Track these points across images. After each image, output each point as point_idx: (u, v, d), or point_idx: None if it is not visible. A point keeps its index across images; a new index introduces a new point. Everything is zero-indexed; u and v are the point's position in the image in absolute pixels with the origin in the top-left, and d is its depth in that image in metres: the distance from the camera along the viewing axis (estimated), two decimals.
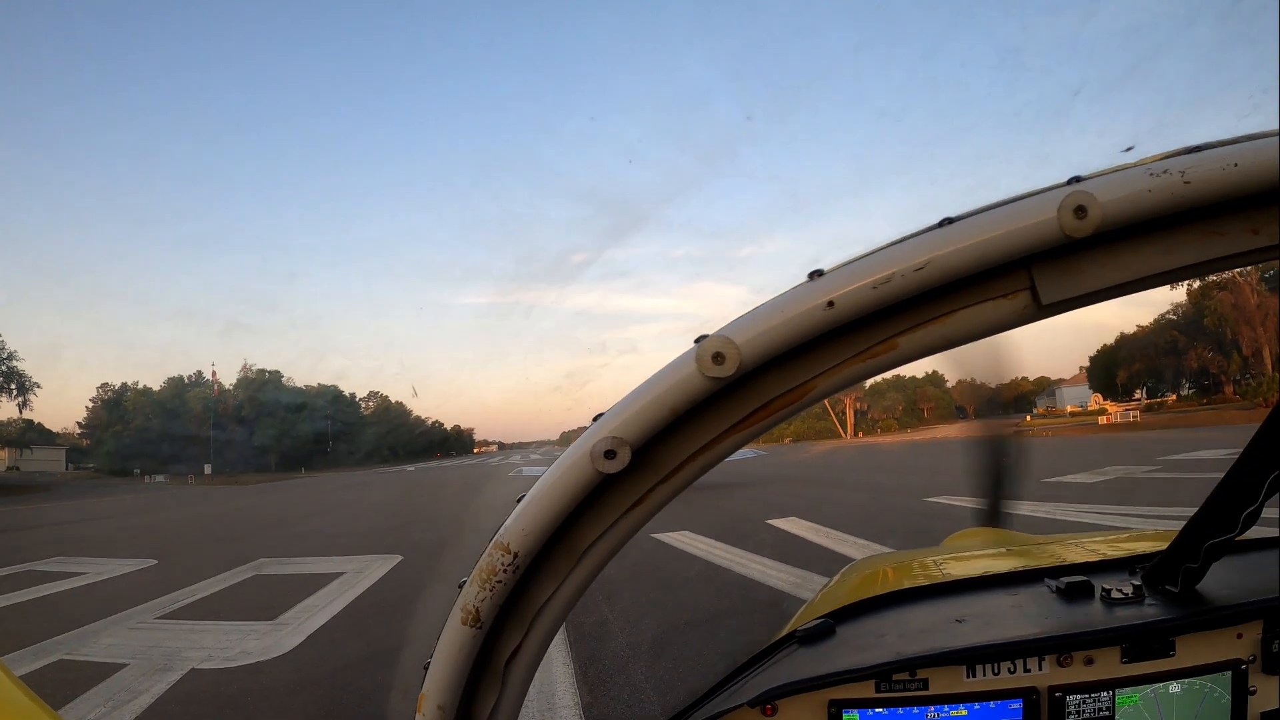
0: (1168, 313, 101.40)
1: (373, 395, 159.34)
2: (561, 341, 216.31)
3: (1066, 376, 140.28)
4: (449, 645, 1.12)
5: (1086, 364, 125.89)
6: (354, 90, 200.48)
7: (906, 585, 2.39)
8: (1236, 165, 0.89)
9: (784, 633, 2.23)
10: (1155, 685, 1.75)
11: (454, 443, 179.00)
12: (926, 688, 1.78)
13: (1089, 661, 1.77)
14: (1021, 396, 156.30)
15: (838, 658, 1.90)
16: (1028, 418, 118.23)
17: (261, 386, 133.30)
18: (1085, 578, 2.07)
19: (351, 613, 12.06)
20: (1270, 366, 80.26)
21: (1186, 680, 1.75)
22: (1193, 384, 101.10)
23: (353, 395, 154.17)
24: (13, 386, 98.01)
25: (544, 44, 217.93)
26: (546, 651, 1.22)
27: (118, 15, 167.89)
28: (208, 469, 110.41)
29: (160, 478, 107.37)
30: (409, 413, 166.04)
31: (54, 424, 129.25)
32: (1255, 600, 1.77)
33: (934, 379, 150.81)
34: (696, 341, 0.98)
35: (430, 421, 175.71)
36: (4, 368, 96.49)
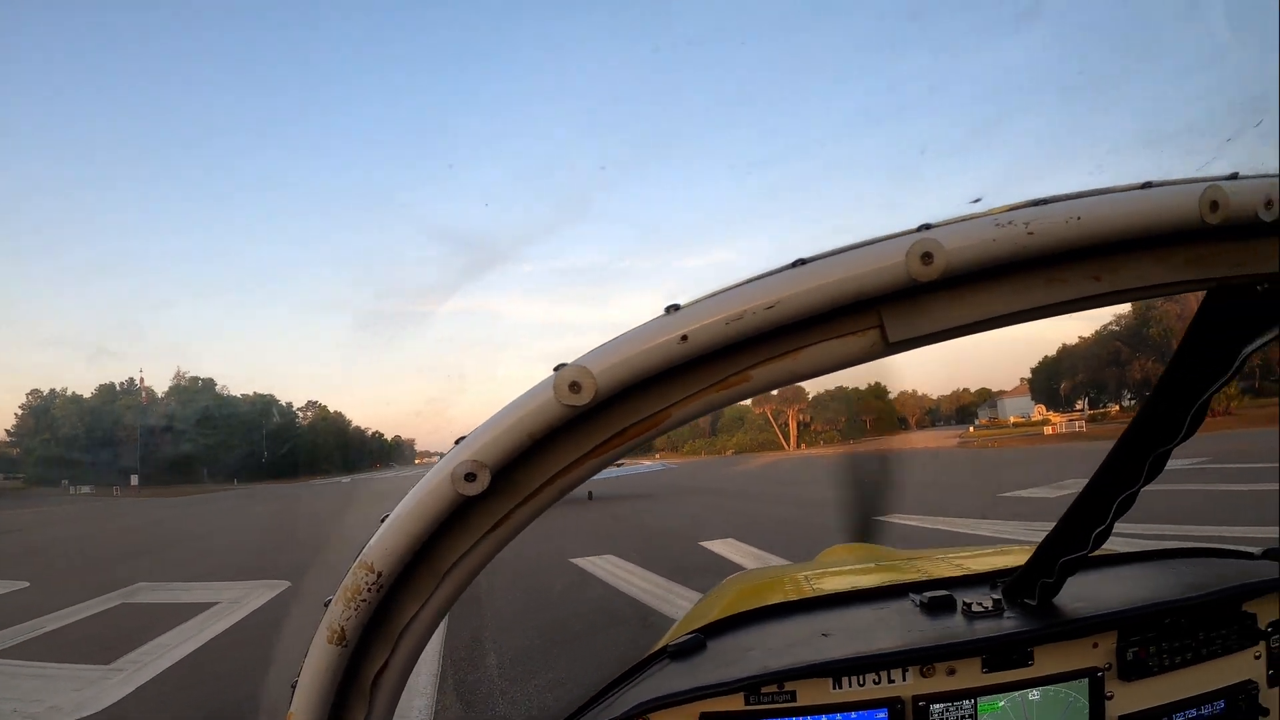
0: (1110, 324, 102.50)
1: (311, 405, 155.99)
2: (424, 367, 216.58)
3: (1008, 388, 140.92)
4: (315, 664, 1.11)
5: (1028, 375, 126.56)
6: (223, 127, 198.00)
7: (776, 600, 2.49)
8: (1079, 219, 0.97)
9: (657, 647, 2.29)
10: (1015, 693, 1.86)
11: (394, 453, 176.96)
12: (795, 699, 1.85)
13: (951, 672, 1.86)
14: (964, 408, 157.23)
15: (708, 671, 1.96)
16: (970, 428, 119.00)
17: (195, 395, 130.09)
18: (948, 592, 2.20)
19: (206, 654, 11.05)
20: None
21: (1045, 688, 1.86)
22: (1134, 394, 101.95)
23: (289, 405, 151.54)
24: None
25: (404, 93, 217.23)
26: (413, 669, 1.22)
27: None
28: (134, 480, 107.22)
29: (86, 488, 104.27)
30: (349, 423, 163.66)
31: None
32: (1108, 612, 1.91)
33: (876, 390, 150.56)
34: (556, 370, 1.01)
35: (370, 432, 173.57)
36: None
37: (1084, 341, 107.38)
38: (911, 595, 2.28)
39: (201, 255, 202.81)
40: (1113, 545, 2.17)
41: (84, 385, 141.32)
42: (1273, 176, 1.04)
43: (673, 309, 1.02)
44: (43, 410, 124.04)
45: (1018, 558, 2.59)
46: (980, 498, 22.25)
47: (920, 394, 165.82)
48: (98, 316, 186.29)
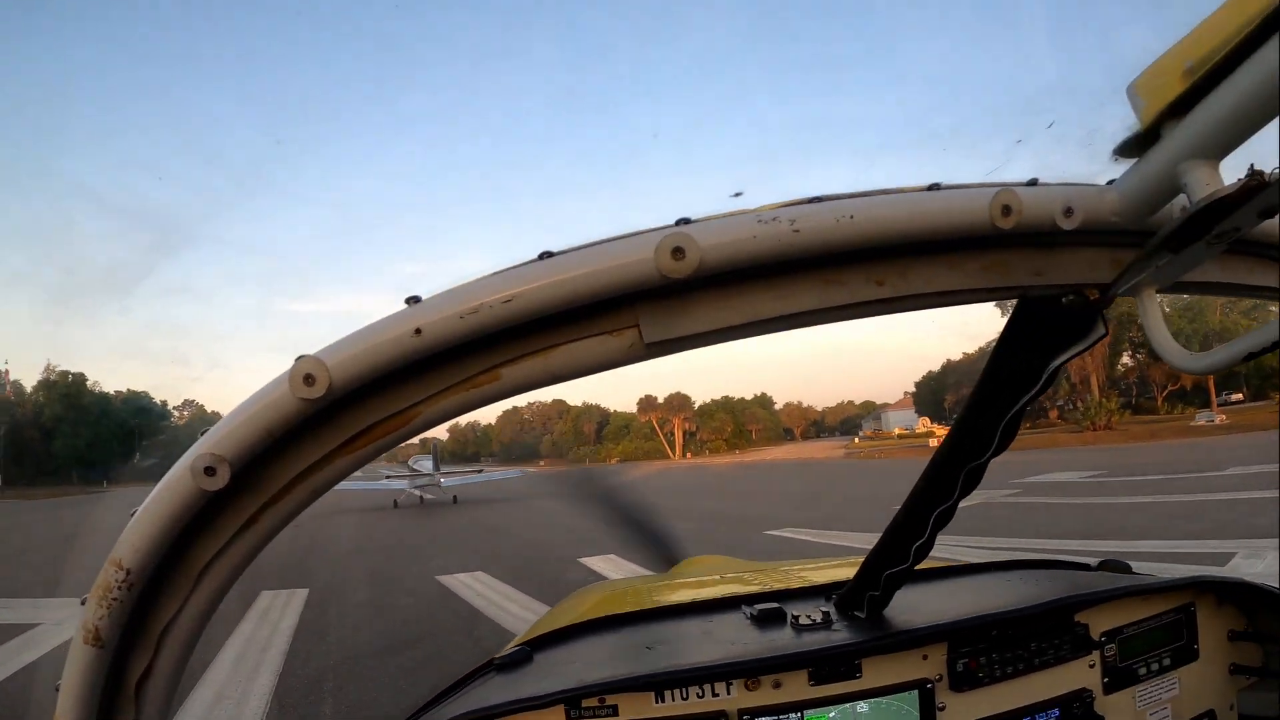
0: (994, 340, 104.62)
1: (188, 404, 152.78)
2: (138, 352, 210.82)
3: (891, 401, 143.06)
4: (75, 665, 1.07)
5: (912, 389, 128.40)
6: None
7: (620, 611, 2.50)
8: (852, 218, 0.96)
9: (485, 661, 2.29)
10: (844, 705, 1.86)
11: None
12: (617, 714, 1.83)
13: (777, 685, 1.86)
14: (848, 420, 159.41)
15: (531, 684, 1.94)
16: (855, 439, 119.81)
17: (65, 390, 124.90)
18: (778, 605, 2.24)
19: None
20: (1098, 392, 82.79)
21: (874, 700, 1.87)
22: None
23: (164, 403, 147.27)
24: None
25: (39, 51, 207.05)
26: (183, 675, 1.18)
27: None
28: None
29: None
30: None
31: None
32: (936, 624, 1.92)
33: (762, 400, 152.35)
34: (297, 360, 0.98)
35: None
36: None
37: (968, 357, 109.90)
38: (744, 607, 2.31)
39: None
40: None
41: None
42: (1076, 185, 1.04)
43: (413, 301, 0.99)
44: None
45: (851, 570, 2.42)
46: (873, 509, 21.82)
47: (805, 405, 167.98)
48: None
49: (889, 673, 1.88)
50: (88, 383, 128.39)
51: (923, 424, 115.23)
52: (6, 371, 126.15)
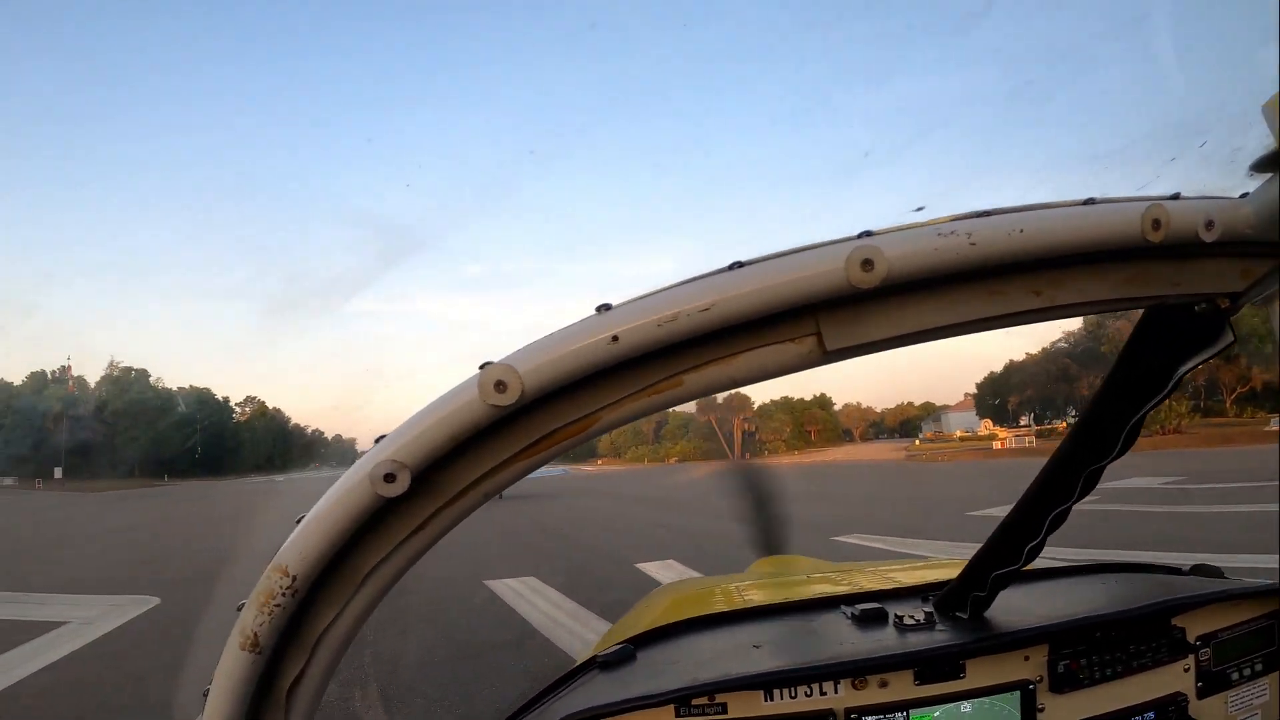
0: (1059, 341, 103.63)
1: (249, 400, 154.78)
2: (336, 363, 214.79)
3: (951, 402, 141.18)
4: (227, 671, 1.08)
5: (973, 391, 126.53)
6: (127, 102, 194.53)
7: (707, 611, 2.47)
8: (1022, 231, 0.98)
9: (585, 658, 2.28)
10: (947, 705, 1.84)
11: (335, 452, 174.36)
12: (726, 711, 1.83)
13: (883, 684, 1.85)
14: (907, 421, 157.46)
15: (638, 683, 1.94)
16: (916, 441, 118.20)
17: (128, 386, 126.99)
18: (879, 605, 2.20)
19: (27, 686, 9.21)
20: None
21: (977, 700, 1.85)
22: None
23: (226, 400, 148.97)
24: None
25: (318, 68, 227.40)
26: (332, 676, 1.19)
27: None
28: (58, 472, 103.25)
29: (9, 480, 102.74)
30: (288, 420, 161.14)
31: None
32: (1039, 625, 1.90)
33: (821, 401, 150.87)
34: (481, 368, 0.99)
35: (310, 429, 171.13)
36: None
37: (1031, 358, 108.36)
38: (843, 607, 2.30)
39: (101, 238, 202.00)
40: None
41: (15, 373, 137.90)
42: (1214, 198, 1.07)
43: (604, 309, 1.01)
44: None
45: (946, 571, 2.60)
46: (946, 516, 20.73)
47: (864, 406, 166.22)
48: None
49: (991, 673, 1.87)
50: (151, 378, 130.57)
51: (985, 426, 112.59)
52: (69, 368, 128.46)
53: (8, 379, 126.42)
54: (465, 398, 0.98)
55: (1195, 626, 1.98)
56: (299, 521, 1.06)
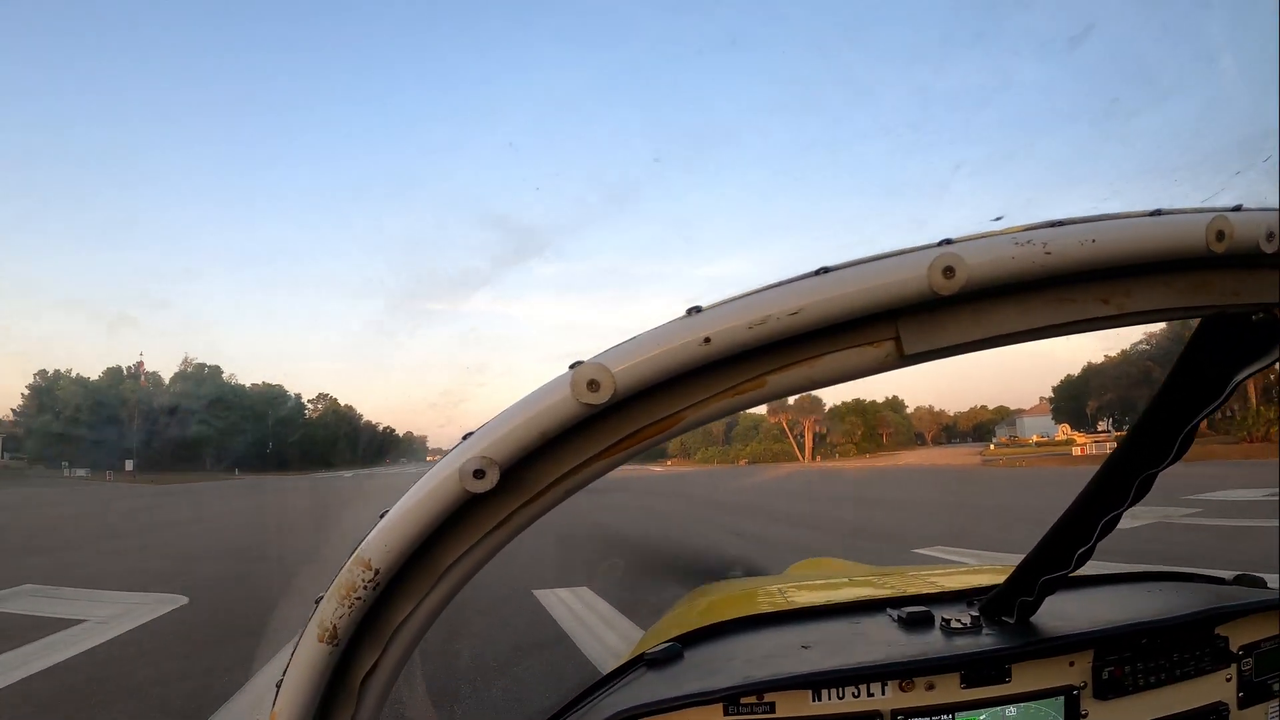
0: (1140, 343, 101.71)
1: (322, 397, 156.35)
2: (444, 359, 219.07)
3: (1026, 406, 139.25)
4: (303, 662, 1.11)
5: (1048, 394, 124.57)
6: (271, 100, 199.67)
7: (750, 612, 2.50)
8: (1094, 241, 1.01)
9: (631, 656, 2.34)
10: (993, 709, 1.87)
11: (405, 449, 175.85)
12: (774, 711, 1.85)
13: (930, 687, 1.87)
14: (980, 425, 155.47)
15: (686, 681, 1.95)
16: (991, 446, 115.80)
17: (201, 381, 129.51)
18: (926, 608, 2.21)
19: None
20: (1255, 401, 78.53)
21: (1022, 704, 1.88)
22: None
23: (298, 396, 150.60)
24: None
25: (467, 76, 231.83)
26: (403, 669, 1.21)
27: None
28: (129, 465, 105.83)
29: (82, 471, 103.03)
30: (359, 417, 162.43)
31: None
32: (1085, 631, 1.92)
33: (894, 404, 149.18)
34: (572, 367, 1.02)
35: (381, 427, 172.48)
36: None
37: (1110, 360, 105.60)
38: (889, 610, 2.31)
39: (228, 232, 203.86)
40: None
41: (92, 367, 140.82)
42: (1275, 210, 1.08)
43: (695, 311, 1.02)
44: (46, 390, 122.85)
45: (989, 577, 2.62)
46: (1036, 528, 19.23)
47: (936, 410, 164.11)
48: (115, 286, 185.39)
49: (1037, 678, 1.89)
50: (224, 375, 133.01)
51: (1062, 431, 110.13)
52: (141, 363, 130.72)
53: (85, 374, 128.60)
54: (557, 396, 1.00)
55: (1238, 636, 2.00)
56: (382, 516, 1.07)
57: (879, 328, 1.04)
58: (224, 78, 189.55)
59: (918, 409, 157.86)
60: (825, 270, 1.01)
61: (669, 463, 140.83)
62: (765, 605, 2.86)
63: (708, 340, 0.98)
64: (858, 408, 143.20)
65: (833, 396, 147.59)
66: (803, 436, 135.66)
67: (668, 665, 2.14)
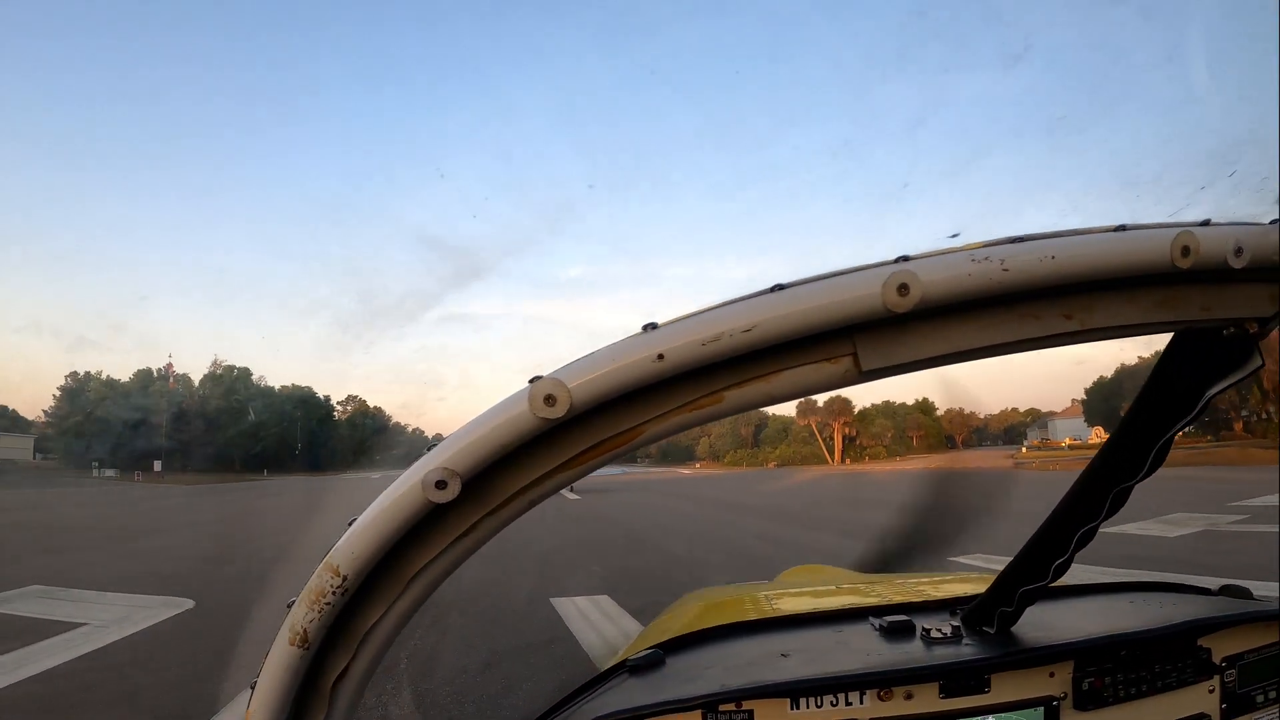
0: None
1: (351, 399, 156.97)
2: (396, 376, 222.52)
3: (1058, 409, 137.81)
4: (276, 665, 1.14)
5: (1081, 397, 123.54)
6: (210, 122, 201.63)
7: (736, 619, 2.51)
8: (1054, 258, 1.03)
9: (614, 662, 2.32)
10: (972, 719, 1.88)
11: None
12: (752, 718, 1.85)
13: (909, 696, 1.88)
14: (1012, 428, 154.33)
15: (666, 688, 1.98)
16: (1023, 449, 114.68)
17: (230, 383, 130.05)
18: (907, 617, 2.22)
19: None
20: None
21: (1001, 715, 1.89)
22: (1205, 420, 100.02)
23: (327, 398, 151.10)
24: None
25: (399, 102, 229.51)
26: (374, 672, 1.24)
27: None
28: (157, 465, 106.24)
29: (110, 472, 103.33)
30: (388, 419, 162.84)
31: (31, 411, 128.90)
32: (1065, 642, 1.93)
33: (924, 406, 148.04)
34: (531, 381, 1.04)
35: (411, 429, 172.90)
36: None
37: (1144, 362, 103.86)
38: (871, 619, 2.32)
39: (190, 252, 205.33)
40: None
41: (123, 370, 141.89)
42: (1244, 225, 1.10)
43: (650, 327, 1.04)
44: (77, 392, 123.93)
45: (975, 586, 2.67)
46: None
47: (967, 412, 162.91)
48: (73, 309, 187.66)
49: (1016, 689, 1.90)
50: (253, 376, 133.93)
51: (1096, 434, 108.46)
52: (171, 365, 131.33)
53: (116, 377, 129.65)
54: (516, 410, 1.02)
55: (1221, 648, 2.01)
56: (350, 524, 1.09)
57: (836, 344, 1.06)
58: (166, 112, 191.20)
59: (948, 411, 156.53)
60: (780, 287, 1.02)
61: (698, 465, 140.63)
62: (751, 612, 2.90)
63: (661, 357, 1.00)
64: (887, 410, 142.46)
65: (862, 398, 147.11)
66: (832, 439, 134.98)
67: (649, 671, 2.14)
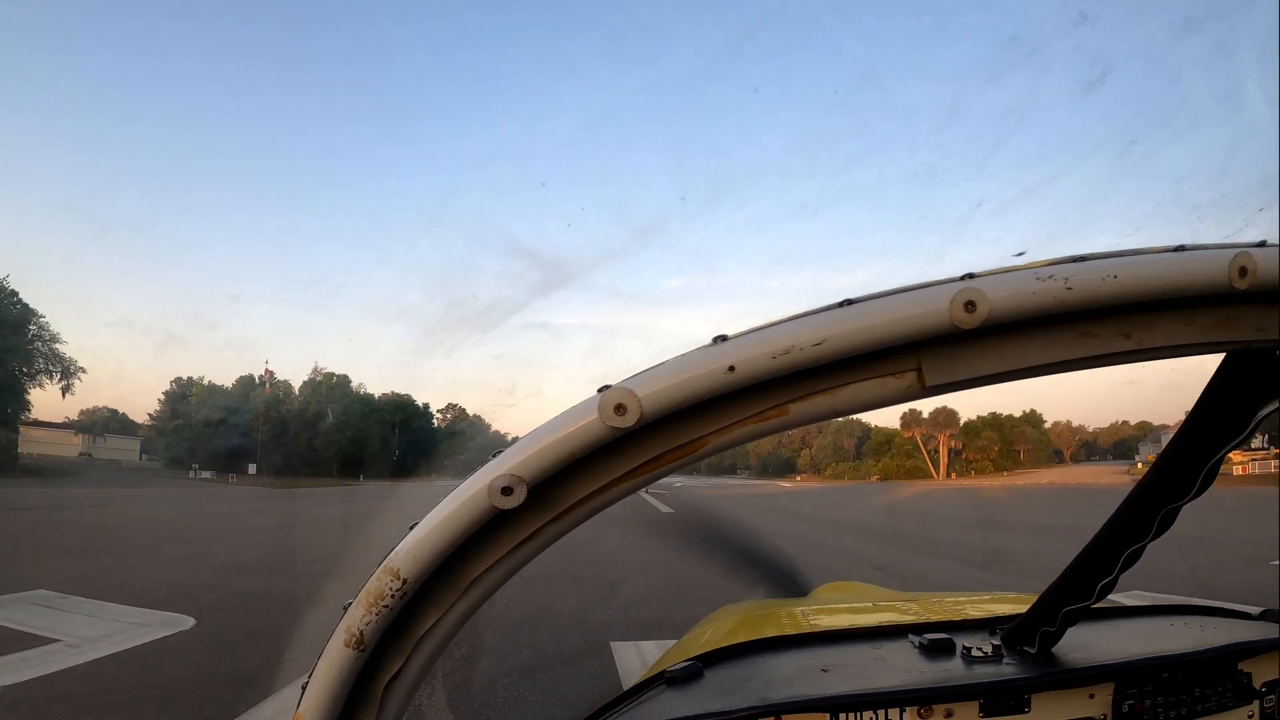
0: None
1: (450, 407, 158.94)
2: (476, 380, 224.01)
3: (1170, 422, 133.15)
4: (329, 666, 1.14)
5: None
6: (320, 135, 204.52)
7: (774, 633, 2.50)
8: (1115, 277, 1.01)
9: (652, 673, 2.30)
10: None
11: None
12: None
13: (949, 714, 1.86)
14: (1122, 442, 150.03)
15: (705, 700, 1.97)
16: (1138, 464, 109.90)
17: (330, 390, 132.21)
18: (947, 636, 2.21)
19: None
20: None
21: None
22: None
23: (426, 406, 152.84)
24: (51, 369, 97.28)
25: (503, 116, 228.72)
26: (426, 676, 1.23)
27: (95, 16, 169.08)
28: (252, 469, 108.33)
29: (207, 474, 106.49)
30: (488, 427, 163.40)
31: (139, 415, 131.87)
32: (1106, 664, 1.93)
33: (1031, 418, 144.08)
34: (600, 390, 1.03)
35: (510, 437, 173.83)
36: (45, 349, 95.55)
37: None
38: (910, 636, 2.30)
39: (288, 256, 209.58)
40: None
41: (226, 376, 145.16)
42: None
43: (720, 339, 1.04)
44: (179, 396, 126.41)
45: (1013, 605, 2.65)
46: (1247, 567, 16.17)
47: (1075, 425, 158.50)
48: (163, 309, 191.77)
49: (1056, 709, 1.88)
50: (352, 384, 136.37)
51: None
52: (269, 371, 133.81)
53: (220, 382, 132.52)
54: (585, 418, 1.01)
55: (1262, 672, 2.00)
56: (412, 527, 1.09)
57: (901, 359, 1.05)
58: (267, 126, 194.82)
59: (1055, 424, 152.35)
60: (849, 302, 1.02)
61: (798, 478, 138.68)
62: (788, 627, 2.82)
63: (732, 369, 0.99)
64: (993, 422, 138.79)
65: (967, 409, 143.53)
66: (937, 452, 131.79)
67: (687, 684, 2.10)
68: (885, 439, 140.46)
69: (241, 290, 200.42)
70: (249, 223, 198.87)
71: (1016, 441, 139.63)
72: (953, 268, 1.02)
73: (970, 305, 0.96)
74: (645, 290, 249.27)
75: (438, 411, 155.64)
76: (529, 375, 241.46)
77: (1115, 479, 78.66)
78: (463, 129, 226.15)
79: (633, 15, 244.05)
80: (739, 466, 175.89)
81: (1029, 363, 1.06)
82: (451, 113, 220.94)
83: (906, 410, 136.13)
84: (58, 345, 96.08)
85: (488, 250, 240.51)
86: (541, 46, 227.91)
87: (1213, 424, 1.44)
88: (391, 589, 1.06)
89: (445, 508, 1.05)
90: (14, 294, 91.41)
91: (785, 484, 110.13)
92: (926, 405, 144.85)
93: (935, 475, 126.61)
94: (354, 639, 1.08)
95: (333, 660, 1.10)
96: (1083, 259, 1.02)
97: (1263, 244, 1.03)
